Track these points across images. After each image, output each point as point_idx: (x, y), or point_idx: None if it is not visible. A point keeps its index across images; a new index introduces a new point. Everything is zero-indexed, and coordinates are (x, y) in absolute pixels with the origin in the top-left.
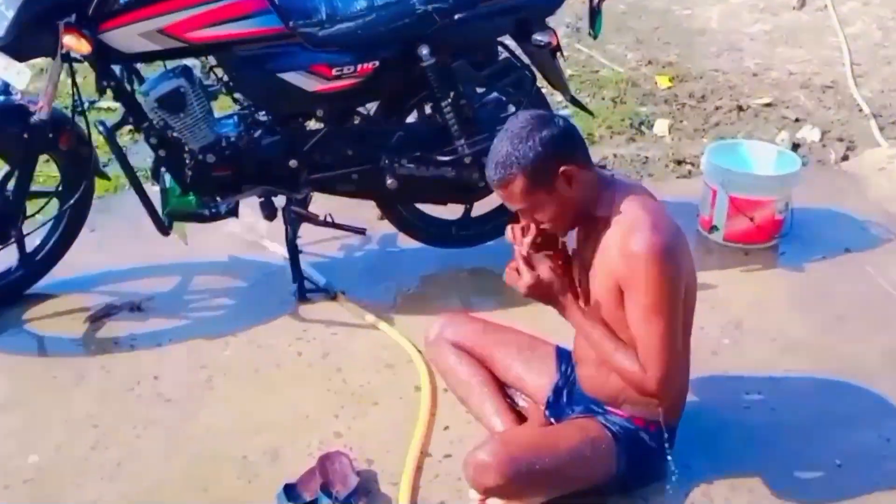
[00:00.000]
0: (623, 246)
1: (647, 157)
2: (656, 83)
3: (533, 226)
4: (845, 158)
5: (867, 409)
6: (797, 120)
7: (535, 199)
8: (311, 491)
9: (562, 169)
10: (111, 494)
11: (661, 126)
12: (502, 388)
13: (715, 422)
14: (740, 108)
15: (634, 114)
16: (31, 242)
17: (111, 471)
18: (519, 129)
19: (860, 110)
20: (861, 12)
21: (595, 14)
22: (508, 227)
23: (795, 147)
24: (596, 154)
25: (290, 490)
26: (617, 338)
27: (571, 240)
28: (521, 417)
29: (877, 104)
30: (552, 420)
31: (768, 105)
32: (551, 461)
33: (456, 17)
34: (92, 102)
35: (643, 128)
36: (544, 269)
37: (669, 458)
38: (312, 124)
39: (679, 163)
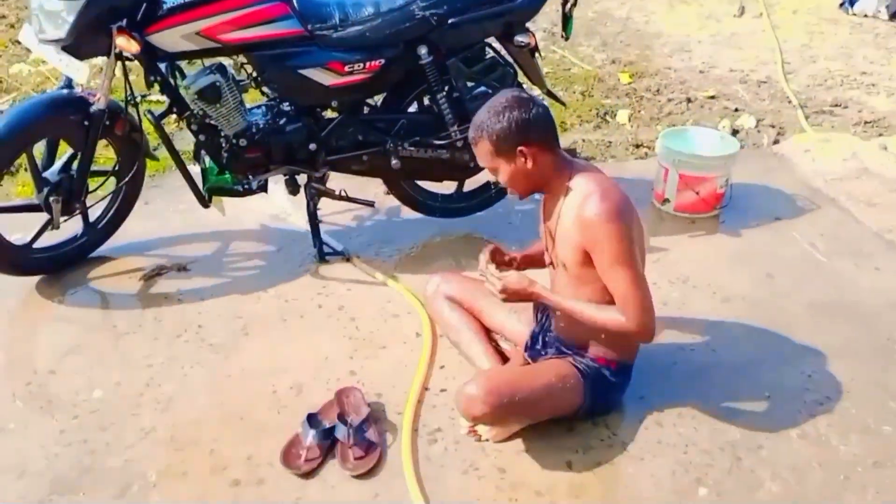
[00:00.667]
0: (579, 214)
1: (610, 142)
2: (619, 79)
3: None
4: (776, 142)
5: (792, 350)
6: (736, 110)
7: (496, 164)
8: (329, 419)
9: (520, 147)
10: (164, 423)
11: (622, 115)
12: (489, 334)
13: (665, 361)
14: (689, 100)
15: (600, 105)
16: (94, 214)
17: (164, 403)
18: (499, 103)
19: (789, 102)
20: (791, 19)
21: (566, 19)
22: (482, 256)
23: (735, 133)
24: (567, 139)
25: (312, 418)
26: (588, 301)
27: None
28: (504, 358)
29: (803, 97)
30: (530, 360)
31: (712, 97)
32: (528, 394)
33: (450, 21)
34: (144, 96)
35: (607, 117)
36: (511, 278)
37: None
38: (329, 113)
39: (637, 146)
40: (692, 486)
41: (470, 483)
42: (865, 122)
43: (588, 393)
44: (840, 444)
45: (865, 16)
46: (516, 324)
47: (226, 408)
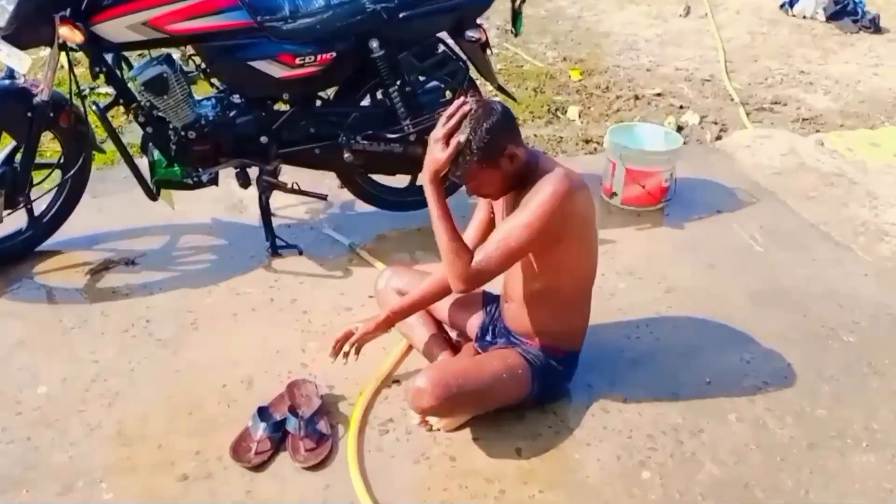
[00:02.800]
0: (536, 189)
1: (561, 137)
2: (570, 76)
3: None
4: (719, 138)
5: (732, 337)
6: (681, 107)
7: (478, 177)
8: (280, 412)
9: (506, 151)
10: (110, 419)
11: (573, 112)
12: (440, 326)
13: (611, 349)
14: (636, 97)
15: (551, 101)
16: (39, 207)
17: (110, 399)
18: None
19: (731, 99)
20: (734, 20)
21: (516, 15)
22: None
23: (679, 129)
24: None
25: (262, 411)
26: (544, 290)
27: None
28: (455, 350)
29: (745, 94)
30: (480, 351)
31: (659, 95)
32: (477, 384)
33: (401, 15)
34: (92, 88)
35: (558, 113)
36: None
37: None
38: (280, 106)
39: (587, 142)
40: (636, 470)
41: (421, 472)
42: (803, 119)
43: (536, 382)
44: (777, 426)
45: (804, 17)
46: (466, 316)
47: (174, 402)
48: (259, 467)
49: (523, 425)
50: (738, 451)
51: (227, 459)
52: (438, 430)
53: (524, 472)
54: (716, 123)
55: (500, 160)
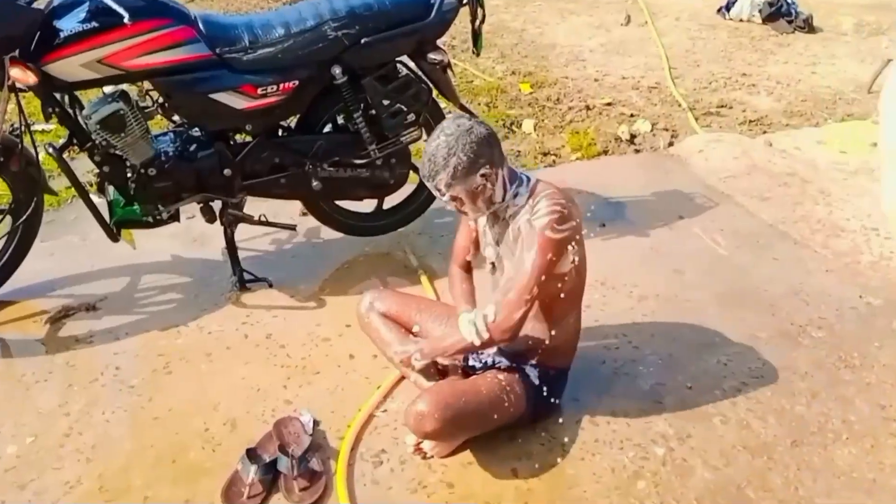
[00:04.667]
0: (528, 221)
1: (519, 151)
2: (520, 90)
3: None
4: (671, 144)
5: (707, 341)
6: (632, 115)
7: (457, 194)
8: (269, 452)
9: (480, 172)
10: (89, 474)
11: (527, 125)
12: None
13: (593, 361)
14: (588, 108)
15: (505, 116)
16: None
17: (87, 453)
18: (447, 138)
19: (679, 105)
20: (674, 26)
21: (477, 35)
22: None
23: (633, 137)
24: None
25: (251, 453)
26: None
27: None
28: (441, 373)
29: (691, 99)
30: (468, 372)
31: (609, 104)
32: (476, 406)
33: (363, 41)
34: (28, 126)
35: (513, 127)
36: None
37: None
38: (242, 137)
39: (545, 154)
40: (631, 480)
41: (419, 501)
42: (750, 121)
43: (531, 400)
44: (760, 426)
45: (741, 20)
46: (454, 337)
47: (156, 451)
48: None
49: (516, 445)
50: (727, 453)
51: None
52: (432, 456)
53: (522, 492)
54: (667, 130)
55: (476, 180)
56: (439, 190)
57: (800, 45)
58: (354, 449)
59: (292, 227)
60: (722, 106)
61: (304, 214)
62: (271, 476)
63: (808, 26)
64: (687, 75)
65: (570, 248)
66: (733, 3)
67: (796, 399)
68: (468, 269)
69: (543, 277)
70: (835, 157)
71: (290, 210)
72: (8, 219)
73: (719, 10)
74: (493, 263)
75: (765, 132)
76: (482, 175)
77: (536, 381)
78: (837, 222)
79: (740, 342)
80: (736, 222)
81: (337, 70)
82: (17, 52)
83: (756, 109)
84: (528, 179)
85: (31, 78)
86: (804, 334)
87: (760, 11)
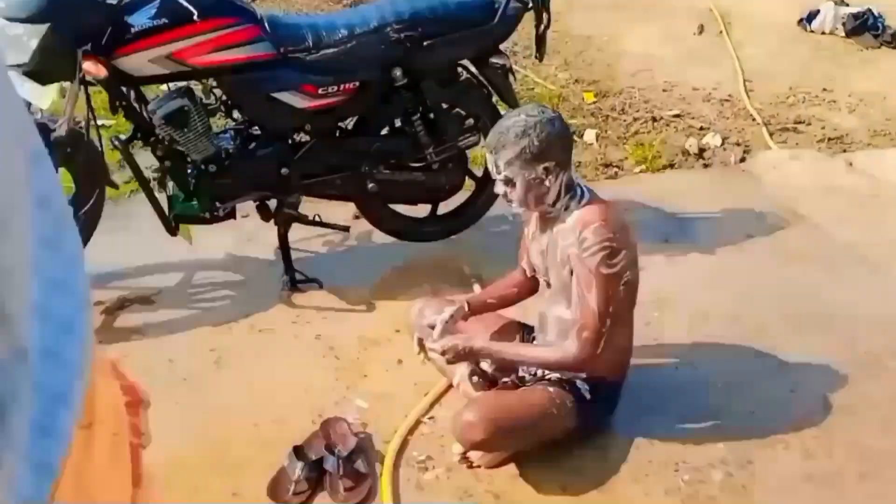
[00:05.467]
0: (580, 237)
1: (580, 162)
2: (583, 98)
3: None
4: (743, 160)
5: (773, 365)
6: (701, 128)
7: (512, 176)
8: (316, 451)
9: (544, 165)
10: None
11: (589, 135)
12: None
13: (650, 380)
14: (654, 119)
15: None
16: None
17: None
18: (527, 118)
19: (753, 119)
20: (750, 37)
21: (541, 41)
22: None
23: (701, 151)
24: None
25: (298, 451)
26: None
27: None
28: (491, 383)
29: (766, 114)
30: (518, 384)
31: (677, 116)
32: (525, 418)
33: (425, 43)
34: (95, 119)
35: (575, 137)
36: (447, 341)
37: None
38: (301, 137)
39: (607, 166)
40: None
41: None
42: (829, 139)
43: (582, 415)
44: (826, 457)
45: (823, 33)
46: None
47: (206, 444)
48: None
49: (567, 460)
50: (789, 482)
51: (266, 500)
52: (479, 466)
53: None
54: (738, 145)
55: (535, 170)
56: (497, 166)
57: (887, 61)
58: (400, 454)
59: (346, 229)
60: (799, 122)
61: (357, 217)
62: (317, 474)
63: None
64: (762, 88)
65: (626, 274)
66: (815, 14)
67: (867, 431)
68: (522, 277)
69: (611, 308)
70: None
71: (343, 213)
72: (70, 209)
73: (800, 22)
74: (544, 275)
75: (844, 151)
76: (545, 168)
77: (588, 396)
78: None
79: (810, 369)
80: (810, 244)
81: (397, 72)
82: (89, 46)
83: (836, 127)
84: (584, 195)
85: (103, 71)
86: (878, 364)
87: (844, 24)
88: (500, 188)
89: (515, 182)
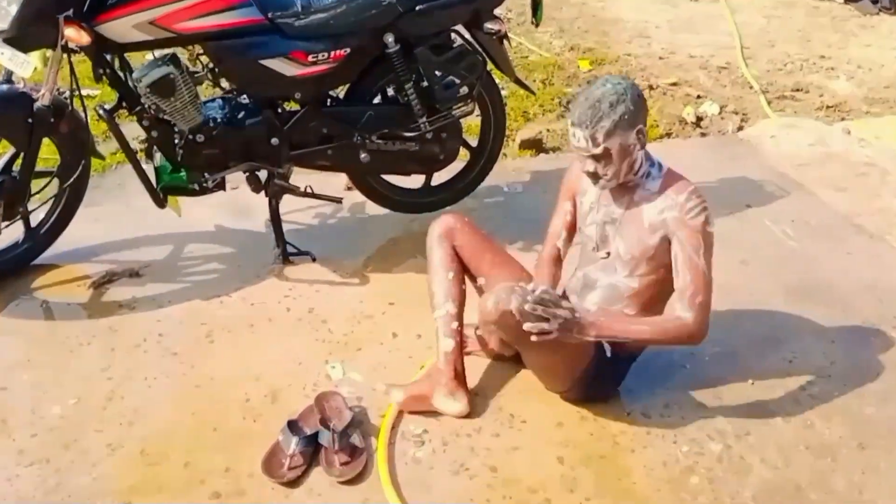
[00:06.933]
0: (680, 209)
1: None
2: (578, 66)
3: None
4: (741, 128)
5: (772, 336)
6: (699, 97)
7: (611, 147)
8: (311, 426)
9: (637, 128)
10: (131, 437)
11: None
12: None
13: (648, 352)
14: (651, 88)
15: (562, 94)
16: (35, 218)
17: (129, 417)
18: (614, 86)
19: (751, 87)
20: (747, 3)
21: (536, 5)
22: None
23: (699, 120)
24: (532, 129)
25: (292, 425)
26: (635, 295)
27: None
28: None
29: (764, 81)
30: None
31: (674, 84)
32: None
33: (417, 8)
34: (79, 88)
35: (570, 106)
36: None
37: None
38: (290, 106)
39: None
40: (684, 475)
41: (461, 483)
42: (827, 107)
43: (595, 364)
44: (825, 427)
45: None
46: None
47: (197, 418)
48: (293, 483)
49: (563, 433)
50: (788, 452)
51: (259, 475)
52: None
53: (568, 480)
54: (736, 113)
55: (631, 136)
56: (595, 139)
57: (885, 27)
58: (395, 428)
59: (338, 201)
60: (797, 90)
61: (349, 189)
62: (312, 449)
63: (895, 7)
64: (760, 56)
65: None
66: None
67: (865, 400)
68: (557, 255)
69: (710, 261)
70: None
71: (335, 184)
72: (55, 181)
73: None
74: (603, 245)
75: (843, 119)
76: (638, 132)
77: (608, 354)
78: None
79: (808, 339)
80: (808, 213)
81: (389, 38)
82: (70, 12)
83: (834, 94)
84: (660, 165)
85: (85, 38)
86: (877, 333)
87: None
88: (590, 165)
89: (612, 153)
